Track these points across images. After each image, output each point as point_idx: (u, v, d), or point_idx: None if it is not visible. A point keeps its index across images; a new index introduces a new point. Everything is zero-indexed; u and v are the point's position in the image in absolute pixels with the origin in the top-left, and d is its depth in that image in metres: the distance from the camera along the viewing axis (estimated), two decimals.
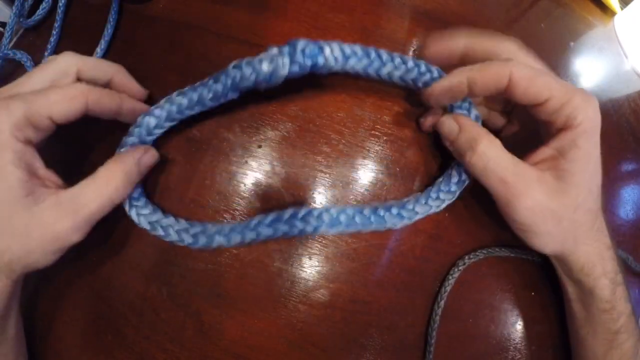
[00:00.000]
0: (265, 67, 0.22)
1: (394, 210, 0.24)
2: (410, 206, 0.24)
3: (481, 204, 0.27)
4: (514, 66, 0.21)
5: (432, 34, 0.24)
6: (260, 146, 0.26)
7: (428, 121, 0.26)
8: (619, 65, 0.36)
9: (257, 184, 0.26)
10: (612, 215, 0.32)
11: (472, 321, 0.27)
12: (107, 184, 0.22)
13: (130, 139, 0.24)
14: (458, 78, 0.22)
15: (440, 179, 0.25)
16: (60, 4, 0.32)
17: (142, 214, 0.24)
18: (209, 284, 0.25)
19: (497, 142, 0.22)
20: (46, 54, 0.32)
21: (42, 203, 0.21)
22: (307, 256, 0.25)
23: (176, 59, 0.28)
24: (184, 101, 0.24)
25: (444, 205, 0.24)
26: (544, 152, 0.23)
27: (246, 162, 0.26)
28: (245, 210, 0.26)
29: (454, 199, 0.24)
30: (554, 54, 0.33)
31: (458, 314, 0.26)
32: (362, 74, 0.24)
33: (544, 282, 0.28)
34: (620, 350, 0.24)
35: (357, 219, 0.23)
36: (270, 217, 0.23)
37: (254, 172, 0.26)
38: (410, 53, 0.28)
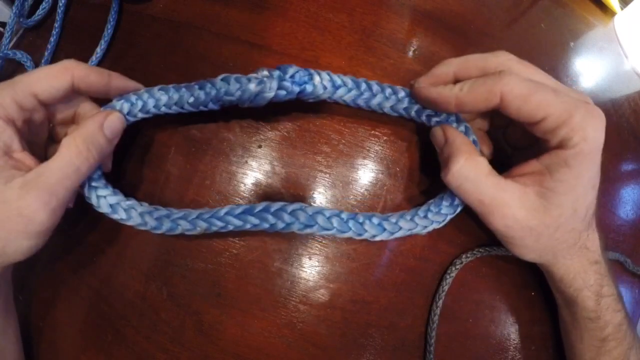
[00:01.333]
0: (253, 87, 0.22)
1: (375, 220, 0.23)
2: (393, 219, 0.23)
3: None
4: (506, 84, 0.20)
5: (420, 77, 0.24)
6: (260, 146, 0.26)
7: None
8: (619, 65, 0.36)
9: (257, 184, 0.26)
10: (612, 215, 0.32)
11: (472, 321, 0.27)
12: (68, 152, 0.21)
13: None
14: (447, 97, 0.22)
15: (432, 200, 0.24)
16: (60, 4, 0.32)
17: (101, 196, 0.23)
18: (209, 284, 0.25)
19: (476, 160, 0.21)
20: (46, 53, 0.32)
21: (9, 183, 0.20)
22: (307, 256, 0.25)
23: (176, 59, 0.28)
24: (164, 98, 0.23)
25: (431, 228, 0.23)
26: (533, 165, 0.22)
27: (246, 162, 0.26)
28: None
29: (443, 223, 0.24)
30: (554, 54, 0.33)
31: (458, 314, 0.26)
32: (352, 104, 0.24)
33: (544, 282, 0.28)
34: (609, 357, 0.24)
35: (335, 222, 0.22)
36: (241, 208, 0.22)
37: (254, 172, 0.26)
38: (410, 53, 0.28)
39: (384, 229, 0.23)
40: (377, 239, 0.23)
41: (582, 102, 0.20)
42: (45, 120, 0.24)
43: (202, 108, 0.24)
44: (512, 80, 0.20)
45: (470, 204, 0.22)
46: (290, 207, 0.22)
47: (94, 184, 0.23)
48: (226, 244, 0.25)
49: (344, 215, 0.23)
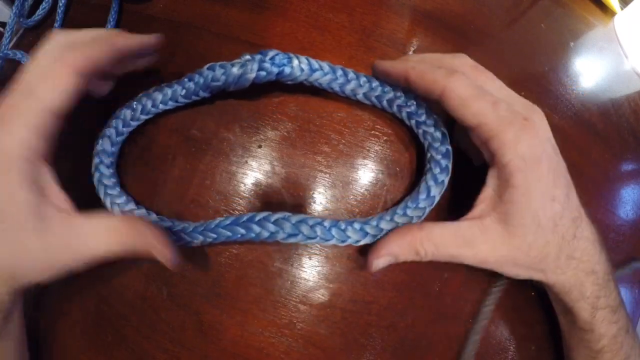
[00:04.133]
0: (236, 70, 0.24)
1: (357, 225, 0.23)
2: (374, 222, 0.23)
3: None
4: (450, 82, 0.20)
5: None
6: (260, 146, 0.26)
7: None
8: (619, 65, 0.36)
9: (257, 184, 0.26)
10: (612, 215, 0.32)
11: (472, 321, 0.27)
12: (117, 241, 0.21)
13: (108, 131, 0.25)
14: (399, 69, 0.23)
15: (408, 196, 0.25)
16: (60, 4, 0.32)
17: (115, 203, 0.25)
18: (209, 284, 0.25)
19: (429, 227, 0.22)
20: None
21: (53, 228, 0.20)
22: (307, 256, 0.25)
23: (176, 59, 0.28)
24: (159, 97, 0.26)
25: (413, 222, 0.24)
26: (485, 192, 0.22)
27: (246, 162, 0.26)
28: (246, 210, 0.26)
29: (423, 216, 0.24)
30: (554, 54, 0.33)
31: (458, 314, 0.26)
32: (327, 88, 0.26)
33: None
34: None
35: (318, 230, 0.23)
36: (229, 219, 0.23)
37: (254, 172, 0.26)
38: (410, 53, 0.28)
39: (367, 233, 0.23)
40: (362, 243, 0.23)
41: (519, 117, 0.20)
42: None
43: (194, 97, 0.26)
44: (458, 82, 0.20)
45: (447, 260, 0.23)
46: (274, 217, 0.23)
47: (109, 191, 0.25)
48: (226, 244, 0.25)
49: (326, 223, 0.23)
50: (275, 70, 0.24)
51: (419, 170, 0.27)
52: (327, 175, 0.26)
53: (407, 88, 0.24)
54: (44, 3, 0.33)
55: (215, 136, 0.26)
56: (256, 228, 0.23)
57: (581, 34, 0.35)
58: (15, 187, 0.18)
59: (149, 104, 0.26)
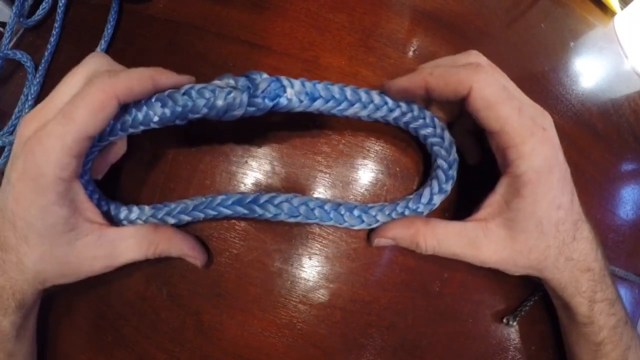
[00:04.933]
0: (220, 102, 0.20)
1: (356, 212, 0.24)
2: (373, 212, 0.24)
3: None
4: (479, 80, 0.20)
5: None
6: (260, 146, 0.26)
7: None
8: (619, 65, 0.36)
9: (257, 184, 0.26)
10: (612, 215, 0.32)
11: (472, 321, 0.27)
12: (146, 250, 0.23)
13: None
14: (417, 80, 0.22)
15: (411, 196, 0.25)
16: (60, 4, 0.32)
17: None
18: (209, 284, 0.25)
19: (434, 223, 0.23)
20: (46, 53, 0.32)
21: (84, 239, 0.21)
22: (307, 256, 0.25)
23: (176, 59, 0.28)
24: (128, 119, 0.21)
25: None
26: (493, 197, 0.23)
27: (246, 162, 0.26)
28: None
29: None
30: (554, 54, 0.33)
31: (458, 314, 0.26)
32: (327, 114, 0.24)
33: (532, 292, 0.28)
34: (607, 359, 0.24)
35: (317, 212, 0.24)
36: (232, 199, 0.24)
37: (254, 172, 0.26)
38: (410, 53, 0.28)
39: (362, 221, 0.24)
40: (356, 228, 0.24)
41: (539, 128, 0.20)
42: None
43: (169, 124, 0.22)
44: (488, 80, 0.20)
45: (448, 257, 0.23)
46: (278, 199, 0.24)
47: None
48: (226, 244, 0.25)
49: (327, 207, 0.24)
50: (269, 104, 0.21)
51: (419, 170, 0.27)
52: (327, 175, 0.26)
53: (424, 99, 0.23)
54: (44, 3, 0.33)
55: (215, 136, 0.26)
56: (258, 210, 0.23)
57: (581, 34, 0.35)
58: (52, 206, 0.20)
59: (117, 126, 0.21)
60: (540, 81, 0.31)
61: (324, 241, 0.25)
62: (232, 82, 0.21)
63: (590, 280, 0.23)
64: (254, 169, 0.26)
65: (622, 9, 0.37)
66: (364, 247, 0.26)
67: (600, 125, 0.33)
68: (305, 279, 0.25)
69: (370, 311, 0.25)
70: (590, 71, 0.34)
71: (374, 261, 0.26)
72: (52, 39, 0.32)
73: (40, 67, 0.31)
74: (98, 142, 0.22)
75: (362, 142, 0.26)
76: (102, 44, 0.30)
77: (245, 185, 0.26)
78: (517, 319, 0.27)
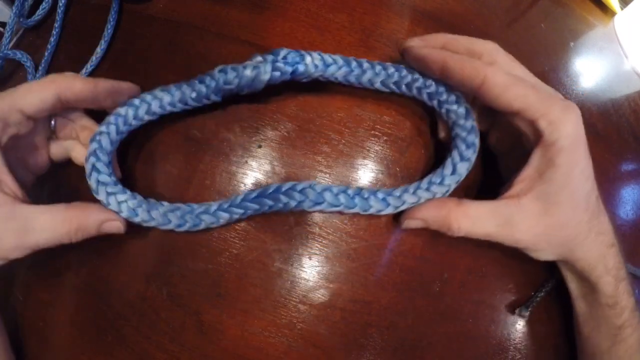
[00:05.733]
0: (249, 72, 0.23)
1: (380, 195, 0.24)
2: (397, 193, 0.24)
3: None
4: (491, 71, 0.21)
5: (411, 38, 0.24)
6: (260, 146, 0.26)
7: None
8: (619, 65, 0.36)
9: (257, 184, 0.26)
10: (612, 215, 0.32)
11: (472, 321, 0.27)
12: (62, 227, 0.22)
13: (107, 127, 0.24)
14: (437, 56, 0.22)
15: (433, 172, 0.24)
16: (60, 4, 0.32)
17: (122, 201, 0.23)
18: (209, 284, 0.25)
19: (467, 204, 0.22)
20: (46, 53, 0.32)
21: None
22: (307, 256, 0.25)
23: (176, 59, 0.28)
24: (167, 97, 0.24)
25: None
26: (526, 172, 0.22)
27: (246, 162, 0.26)
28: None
29: (447, 192, 0.24)
30: (554, 54, 0.33)
31: (458, 314, 0.26)
32: (343, 81, 0.25)
33: (544, 281, 0.28)
34: (625, 345, 0.24)
35: (342, 198, 0.23)
36: (255, 192, 0.24)
37: (254, 172, 0.26)
38: None
39: (389, 204, 0.24)
40: (383, 213, 0.24)
41: (558, 98, 0.21)
42: (39, 136, 0.25)
43: (205, 101, 0.25)
44: (498, 70, 0.21)
45: (481, 238, 0.23)
46: (300, 186, 0.24)
47: (109, 189, 0.23)
48: (226, 244, 0.25)
49: (350, 192, 0.24)
50: (289, 69, 0.24)
51: (419, 170, 0.27)
52: (327, 175, 0.26)
53: (441, 77, 0.23)
54: (44, 3, 0.33)
55: (215, 136, 0.26)
56: (283, 198, 0.23)
57: (581, 34, 0.35)
58: None
59: (155, 104, 0.24)
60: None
61: (324, 241, 0.25)
62: (260, 58, 0.24)
63: (616, 256, 0.24)
64: (254, 169, 0.26)
65: (622, 9, 0.37)
66: (364, 247, 0.26)
67: (600, 125, 0.33)
68: (305, 279, 0.25)
69: (370, 311, 0.25)
70: (590, 71, 0.34)
71: (374, 261, 0.26)
72: (52, 39, 0.32)
73: (40, 67, 0.31)
74: (144, 115, 0.24)
75: (362, 142, 0.26)
76: (102, 44, 0.30)
77: (245, 185, 0.26)
78: (530, 309, 0.27)
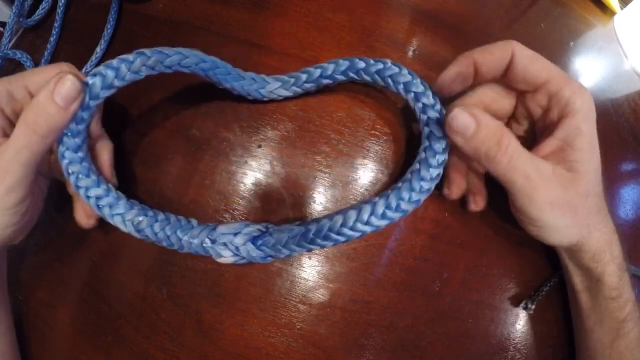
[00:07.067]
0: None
1: (390, 213, 0.22)
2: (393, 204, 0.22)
3: None
4: (517, 45, 0.22)
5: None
6: (260, 146, 0.26)
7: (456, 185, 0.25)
8: (619, 65, 0.36)
9: (257, 184, 0.26)
10: (612, 215, 0.32)
11: (472, 321, 0.27)
12: (18, 129, 0.20)
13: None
14: (465, 62, 0.23)
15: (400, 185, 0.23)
16: (60, 4, 0.32)
17: (117, 214, 0.22)
18: (209, 284, 0.25)
19: (515, 137, 0.22)
20: (46, 54, 0.32)
21: None
22: (307, 256, 0.25)
23: None
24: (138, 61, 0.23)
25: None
26: (551, 144, 0.22)
27: (246, 162, 0.26)
28: (246, 210, 0.26)
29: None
30: (554, 54, 0.33)
31: (458, 314, 0.26)
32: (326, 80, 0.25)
33: (544, 281, 0.28)
34: (626, 340, 0.24)
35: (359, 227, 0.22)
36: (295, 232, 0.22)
37: (254, 172, 0.26)
38: (410, 53, 0.28)
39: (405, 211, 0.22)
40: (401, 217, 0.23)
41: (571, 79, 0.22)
42: None
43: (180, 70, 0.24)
44: (521, 45, 0.22)
45: (514, 183, 0.21)
46: (336, 227, 0.22)
47: (101, 203, 0.22)
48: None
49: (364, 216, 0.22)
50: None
51: None
52: (327, 175, 0.26)
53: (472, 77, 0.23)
54: (44, 3, 0.33)
55: (215, 136, 0.26)
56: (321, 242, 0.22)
57: (581, 34, 0.35)
58: None
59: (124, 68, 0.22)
60: None
61: None
62: None
63: (619, 245, 0.24)
64: (254, 169, 0.26)
65: (622, 9, 0.37)
66: (364, 247, 0.26)
67: (600, 125, 0.32)
68: (305, 279, 0.25)
69: (370, 311, 0.25)
70: (590, 71, 0.34)
71: (374, 261, 0.26)
72: (52, 39, 0.32)
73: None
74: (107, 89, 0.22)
75: (362, 142, 0.26)
76: (102, 44, 0.30)
77: (245, 185, 0.26)
78: (536, 303, 0.27)
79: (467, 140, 0.21)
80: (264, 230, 0.23)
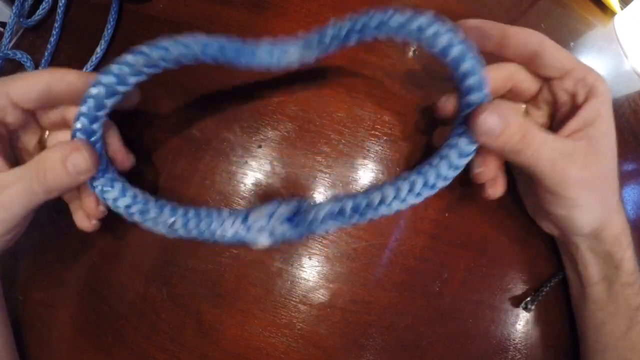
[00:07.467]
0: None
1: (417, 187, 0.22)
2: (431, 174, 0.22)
3: (481, 203, 0.27)
4: (544, 36, 0.23)
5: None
6: (260, 146, 0.26)
7: (451, 103, 0.24)
8: (619, 65, 0.36)
9: (257, 184, 0.26)
10: None
11: (472, 321, 0.27)
12: (28, 174, 0.21)
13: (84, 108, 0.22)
14: (496, 26, 0.24)
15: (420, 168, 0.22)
16: (60, 4, 0.32)
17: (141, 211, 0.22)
18: (209, 284, 0.25)
19: (536, 125, 0.22)
20: (46, 54, 0.32)
21: None
22: (307, 256, 0.25)
23: None
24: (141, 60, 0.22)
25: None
26: (573, 124, 0.23)
27: (246, 162, 0.26)
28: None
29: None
30: None
31: (458, 314, 0.26)
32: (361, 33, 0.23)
33: (544, 280, 0.28)
34: (639, 327, 0.24)
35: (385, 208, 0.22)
36: (336, 207, 0.21)
37: (254, 172, 0.26)
38: (410, 53, 0.28)
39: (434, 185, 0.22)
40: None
41: None
42: (28, 125, 0.24)
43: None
44: (546, 36, 0.23)
45: (541, 168, 0.22)
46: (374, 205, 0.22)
47: (132, 210, 0.22)
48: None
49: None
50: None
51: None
52: (327, 175, 0.26)
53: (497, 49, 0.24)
54: (44, 3, 0.33)
55: (215, 136, 0.26)
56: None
57: (581, 34, 0.35)
58: None
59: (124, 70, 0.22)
60: None
61: (324, 241, 0.25)
62: None
63: (630, 231, 0.24)
64: (254, 169, 0.26)
65: (622, 9, 0.37)
66: (364, 247, 0.26)
67: None
68: (305, 279, 0.25)
69: (370, 311, 0.25)
70: None
71: (374, 261, 0.26)
72: (52, 39, 0.32)
73: (40, 67, 0.31)
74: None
75: (362, 142, 0.26)
76: (102, 44, 0.30)
77: (245, 185, 0.26)
78: (536, 303, 0.27)
79: (493, 139, 0.22)
80: (297, 207, 0.22)
